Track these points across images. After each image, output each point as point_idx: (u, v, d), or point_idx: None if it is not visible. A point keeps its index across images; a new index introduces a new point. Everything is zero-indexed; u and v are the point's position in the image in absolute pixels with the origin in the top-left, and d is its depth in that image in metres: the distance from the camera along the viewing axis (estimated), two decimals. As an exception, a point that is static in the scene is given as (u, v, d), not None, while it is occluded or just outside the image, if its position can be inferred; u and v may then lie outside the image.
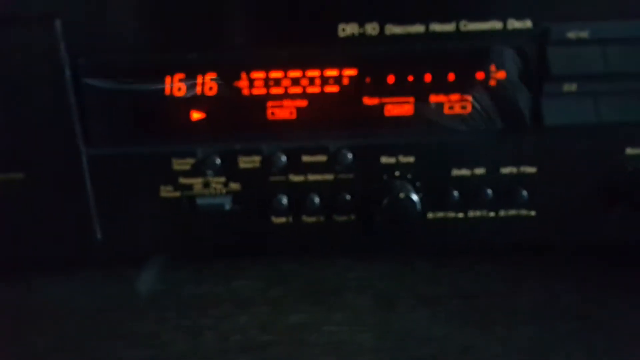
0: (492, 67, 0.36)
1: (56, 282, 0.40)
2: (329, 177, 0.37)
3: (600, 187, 0.37)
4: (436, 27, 0.34)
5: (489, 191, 0.37)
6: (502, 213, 0.38)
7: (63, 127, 0.36)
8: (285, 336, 0.34)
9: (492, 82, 0.36)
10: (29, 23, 0.33)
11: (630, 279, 0.38)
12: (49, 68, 0.34)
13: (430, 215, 0.38)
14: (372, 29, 0.34)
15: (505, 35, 0.34)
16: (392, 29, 0.34)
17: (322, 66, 0.36)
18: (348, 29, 0.34)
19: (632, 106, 0.35)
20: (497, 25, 0.34)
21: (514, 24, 0.34)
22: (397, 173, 0.37)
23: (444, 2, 0.33)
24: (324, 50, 0.35)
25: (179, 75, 0.36)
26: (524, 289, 0.38)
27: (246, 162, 0.37)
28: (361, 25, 0.34)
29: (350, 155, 0.37)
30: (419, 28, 0.34)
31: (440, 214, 0.38)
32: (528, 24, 0.34)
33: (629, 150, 0.37)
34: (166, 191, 0.38)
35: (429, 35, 0.34)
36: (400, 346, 0.33)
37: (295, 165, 0.37)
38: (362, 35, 0.34)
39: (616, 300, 0.36)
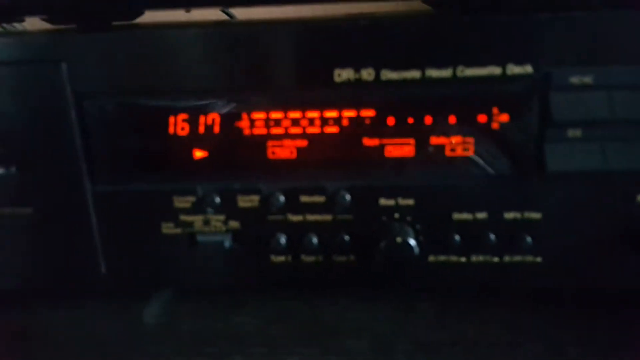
0: (495, 110, 0.35)
1: (61, 312, 0.41)
2: (328, 217, 0.37)
3: (611, 236, 0.36)
4: (432, 72, 0.33)
5: (492, 236, 0.36)
6: (506, 259, 0.37)
7: (69, 165, 0.37)
8: (276, 380, 0.34)
9: (495, 125, 0.35)
10: (37, 65, 0.35)
11: (641, 333, 0.36)
12: (56, 109, 0.36)
13: (431, 258, 0.38)
14: (367, 74, 0.34)
15: (505, 80, 0.33)
16: (388, 75, 0.34)
17: (321, 109, 0.36)
18: (344, 74, 0.34)
19: (641, 153, 0.34)
20: (495, 70, 0.33)
21: (513, 69, 0.33)
22: (396, 215, 0.37)
23: (440, 48, 0.33)
24: (321, 95, 0.35)
25: (182, 116, 0.37)
26: (528, 338, 0.37)
27: (245, 202, 0.37)
28: (357, 70, 0.34)
29: (348, 197, 0.37)
30: (415, 74, 0.33)
31: (442, 257, 0.38)
32: (529, 69, 0.33)
33: (640, 198, 0.35)
34: (167, 228, 0.38)
35: (425, 80, 0.34)
36: (390, 397, 0.32)
37: (294, 205, 0.37)
38: (358, 80, 0.34)
39: (624, 356, 0.34)
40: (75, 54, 0.35)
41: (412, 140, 0.37)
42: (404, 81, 0.34)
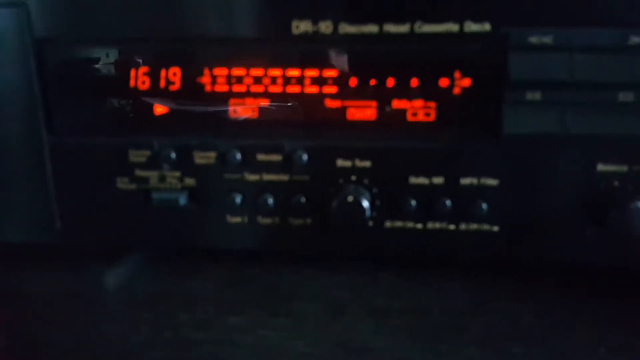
0: (457, 74, 0.35)
1: (18, 270, 0.41)
2: (284, 177, 0.37)
3: (570, 205, 0.35)
4: (390, 27, 0.33)
5: (448, 202, 0.36)
6: (462, 227, 0.36)
7: (27, 114, 0.37)
8: (217, 336, 0.33)
9: (457, 90, 0.35)
10: (-2, 9, 0.35)
11: (600, 305, 0.35)
12: (16, 56, 0.35)
13: (388, 224, 0.37)
14: (325, 27, 0.33)
15: (463, 38, 0.33)
16: (346, 28, 0.33)
17: (282, 65, 0.36)
18: (302, 26, 0.34)
19: (602, 118, 0.33)
20: (453, 27, 0.33)
21: (471, 26, 0.32)
22: (353, 177, 0.36)
23: (397, 1, 0.33)
24: (280, 48, 0.35)
25: (143, 69, 0.37)
26: (485, 308, 0.36)
27: (201, 158, 0.37)
28: (315, 23, 0.33)
29: (305, 156, 0.36)
30: (372, 28, 0.33)
31: (398, 223, 0.37)
32: (487, 27, 0.32)
33: (601, 167, 0.34)
34: (122, 183, 0.38)
35: (383, 36, 0.33)
36: (330, 354, 0.31)
37: (251, 164, 0.37)
38: (316, 33, 0.34)
39: (581, 327, 0.33)
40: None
41: (374, 103, 0.36)
42: (362, 36, 0.33)
